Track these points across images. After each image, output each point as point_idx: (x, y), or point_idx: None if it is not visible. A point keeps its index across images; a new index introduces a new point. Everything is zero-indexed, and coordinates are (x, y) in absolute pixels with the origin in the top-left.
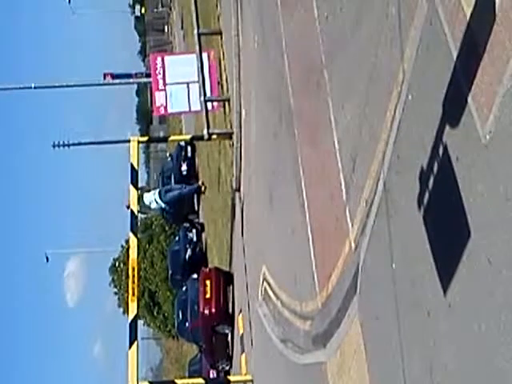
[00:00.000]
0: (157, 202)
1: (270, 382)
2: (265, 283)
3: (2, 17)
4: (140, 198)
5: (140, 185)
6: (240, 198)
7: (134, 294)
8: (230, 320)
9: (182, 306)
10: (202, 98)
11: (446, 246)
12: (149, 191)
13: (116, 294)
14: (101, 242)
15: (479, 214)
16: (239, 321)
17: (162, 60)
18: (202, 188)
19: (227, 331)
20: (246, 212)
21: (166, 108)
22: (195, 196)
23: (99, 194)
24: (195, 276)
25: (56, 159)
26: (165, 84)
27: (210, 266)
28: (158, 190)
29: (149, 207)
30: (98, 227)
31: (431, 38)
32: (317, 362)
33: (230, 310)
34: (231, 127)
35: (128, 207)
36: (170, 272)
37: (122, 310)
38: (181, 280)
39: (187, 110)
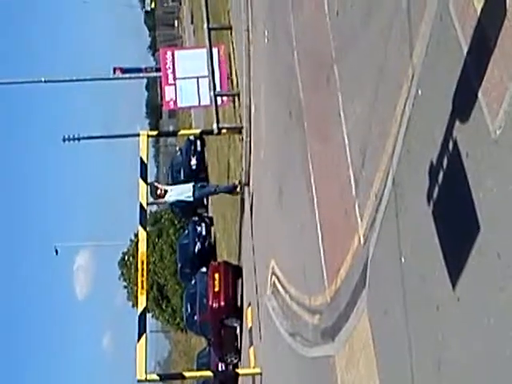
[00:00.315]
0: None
1: (278, 375)
2: (274, 277)
3: (12, 11)
4: (153, 191)
5: (149, 179)
6: (249, 192)
7: (143, 288)
8: (238, 313)
9: (191, 299)
10: (212, 93)
11: (455, 240)
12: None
13: (125, 287)
14: (110, 235)
15: (488, 209)
16: (248, 314)
17: (172, 54)
18: (238, 188)
19: (236, 324)
20: (255, 206)
21: (175, 102)
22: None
23: (109, 188)
24: (204, 269)
25: (66, 153)
26: (175, 78)
27: (218, 259)
28: (192, 184)
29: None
30: (108, 221)
31: (441, 33)
32: (325, 356)
33: (239, 304)
34: (241, 122)
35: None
36: (179, 265)
37: (131, 303)
38: (190, 273)
39: (197, 104)
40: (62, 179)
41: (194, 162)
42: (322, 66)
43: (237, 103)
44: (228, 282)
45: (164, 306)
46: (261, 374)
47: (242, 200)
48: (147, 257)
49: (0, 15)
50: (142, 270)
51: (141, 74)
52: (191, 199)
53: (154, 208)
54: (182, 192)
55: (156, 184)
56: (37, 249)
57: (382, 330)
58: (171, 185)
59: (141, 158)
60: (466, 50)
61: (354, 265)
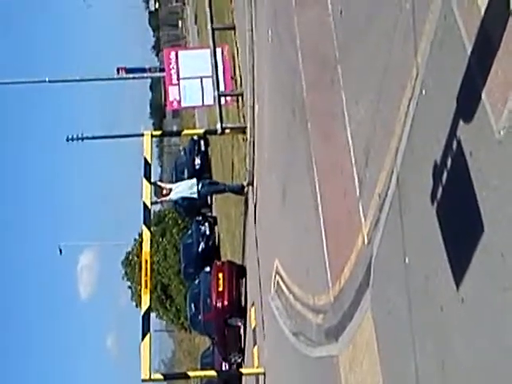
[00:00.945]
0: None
1: (282, 375)
2: (277, 276)
3: (16, 11)
4: (157, 189)
5: (153, 179)
6: (253, 192)
7: (146, 287)
8: (242, 313)
9: (195, 298)
10: (216, 93)
11: (459, 240)
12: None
13: (129, 287)
14: (114, 235)
15: (493, 209)
16: (252, 314)
17: (176, 55)
18: (245, 189)
19: (240, 324)
20: (259, 205)
21: (179, 102)
22: (236, 194)
23: (112, 188)
24: (208, 269)
25: (70, 153)
26: (178, 78)
27: (222, 259)
28: (195, 180)
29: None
30: (111, 220)
31: (445, 32)
32: (329, 356)
33: (243, 303)
34: (244, 121)
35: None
36: (182, 265)
37: (134, 303)
38: (193, 273)
39: (200, 104)
40: (66, 179)
41: (197, 161)
42: (325, 66)
43: (240, 103)
44: (232, 281)
45: (168, 306)
46: (264, 373)
47: (246, 199)
48: (151, 256)
49: (4, 15)
50: (146, 269)
51: (145, 74)
52: (195, 195)
53: (158, 207)
54: (187, 188)
55: (159, 183)
56: (41, 248)
57: (386, 330)
58: (175, 182)
59: (145, 158)
60: (469, 49)
61: (357, 264)
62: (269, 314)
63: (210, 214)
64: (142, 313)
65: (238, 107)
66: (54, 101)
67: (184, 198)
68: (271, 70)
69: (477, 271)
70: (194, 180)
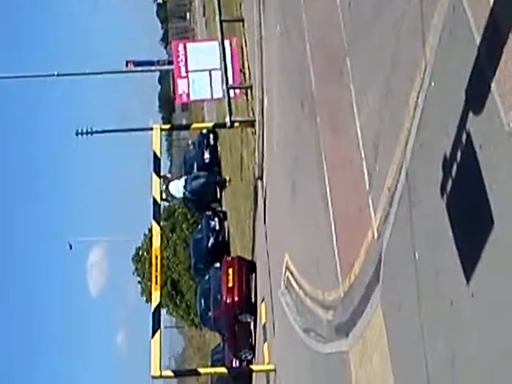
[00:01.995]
0: (182, 190)
1: (292, 371)
2: (287, 272)
3: (25, 5)
4: (166, 188)
5: (162, 172)
6: (262, 187)
7: (157, 283)
8: (252, 309)
9: (205, 294)
10: (224, 86)
11: (469, 234)
12: (172, 181)
13: (139, 282)
14: (124, 230)
15: (502, 202)
16: (262, 310)
17: (184, 47)
18: (227, 183)
19: (250, 320)
20: (269, 200)
21: (188, 95)
22: (217, 187)
23: (122, 182)
24: (218, 265)
25: (79, 146)
26: (187, 71)
27: (232, 254)
28: (184, 178)
29: (173, 196)
30: (121, 216)
31: (454, 24)
32: (339, 352)
33: (253, 299)
34: (253, 115)
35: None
36: (192, 261)
37: (145, 298)
38: (203, 269)
39: (209, 97)
40: (75, 173)
41: (206, 155)
42: (334, 59)
43: (249, 96)
44: (242, 277)
45: (178, 302)
46: (275, 370)
47: (256, 194)
48: (161, 252)
49: (13, 10)
50: (156, 265)
51: (153, 67)
52: (180, 195)
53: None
54: (176, 190)
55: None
56: (50, 244)
57: (396, 326)
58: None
59: (154, 152)
60: (478, 41)
61: (367, 260)
62: (279, 310)
63: (219, 208)
64: (153, 309)
65: (246, 100)
66: (63, 94)
67: (193, 193)
68: (280, 62)
69: (487, 265)
70: (182, 179)
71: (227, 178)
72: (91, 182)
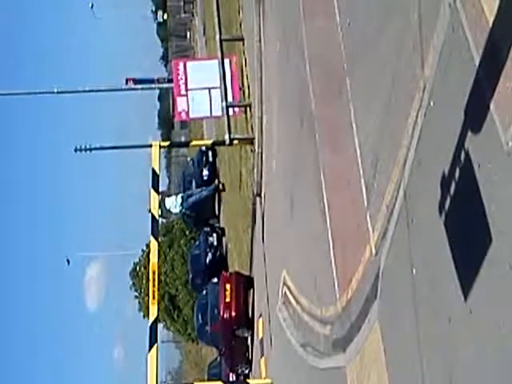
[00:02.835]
0: (179, 207)
1: None
2: (285, 287)
3: (25, 22)
4: (162, 203)
5: (161, 189)
6: (261, 203)
7: (154, 298)
8: (249, 324)
9: (202, 309)
10: (224, 104)
11: (467, 251)
12: (169, 196)
13: (136, 297)
14: (122, 245)
15: (500, 221)
16: (259, 325)
17: (184, 65)
18: (220, 186)
19: (247, 335)
20: (267, 217)
21: (187, 113)
22: (216, 196)
23: (120, 199)
24: (215, 280)
25: (78, 163)
26: (187, 89)
27: (230, 270)
28: (180, 195)
29: (170, 211)
30: (119, 231)
31: (453, 44)
32: (336, 367)
33: (250, 314)
34: (252, 132)
35: (149, 211)
36: (190, 276)
37: (142, 314)
38: (201, 284)
39: (209, 115)
40: (74, 190)
41: (205, 172)
42: (334, 77)
43: (248, 114)
44: (239, 292)
45: (175, 317)
46: None
47: (254, 211)
48: (158, 267)
49: (13, 25)
50: (154, 280)
51: (153, 85)
52: (177, 211)
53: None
54: (171, 205)
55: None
56: (48, 259)
57: (394, 341)
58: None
59: (153, 169)
60: (478, 61)
61: (365, 276)
62: (276, 325)
63: (217, 224)
64: (150, 323)
65: (246, 118)
66: (63, 111)
67: (193, 208)
68: (279, 80)
69: (485, 282)
70: (179, 196)
71: (217, 182)
72: (90, 198)
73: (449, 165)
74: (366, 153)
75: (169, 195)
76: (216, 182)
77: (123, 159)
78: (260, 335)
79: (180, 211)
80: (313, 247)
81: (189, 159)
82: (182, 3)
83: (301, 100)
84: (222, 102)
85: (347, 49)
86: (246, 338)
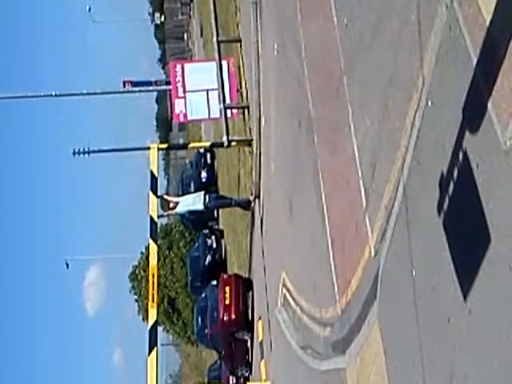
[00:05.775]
0: (202, 205)
1: None
2: (284, 289)
3: (22, 25)
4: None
5: (159, 192)
6: (259, 205)
7: (153, 301)
8: (249, 326)
9: (202, 312)
10: (222, 105)
11: (467, 252)
12: (181, 195)
13: (136, 300)
14: (120, 248)
15: (500, 221)
16: (259, 327)
17: (182, 67)
18: (252, 204)
19: (247, 337)
20: (266, 218)
21: (185, 115)
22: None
23: (119, 201)
24: (215, 282)
25: (76, 166)
26: (184, 91)
27: (229, 272)
28: (203, 193)
29: (179, 212)
30: (118, 234)
31: (451, 44)
32: (336, 369)
33: (250, 317)
34: (250, 134)
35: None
36: (189, 278)
37: (141, 317)
38: (200, 286)
39: (206, 117)
40: (73, 192)
41: (204, 174)
42: (331, 78)
43: (246, 116)
44: (239, 294)
45: (175, 319)
46: None
47: (253, 212)
48: (158, 270)
49: (10, 29)
50: (153, 283)
51: (151, 88)
52: (201, 208)
53: (165, 220)
54: (193, 202)
55: (166, 197)
56: (47, 263)
57: (394, 343)
58: (182, 195)
59: (151, 171)
60: (475, 60)
61: (364, 277)
62: (276, 328)
63: (216, 227)
64: (149, 326)
65: (244, 120)
66: (61, 115)
67: (191, 212)
68: (277, 82)
69: (484, 283)
70: (202, 193)
71: (251, 199)
72: (88, 201)
73: (447, 165)
74: (365, 153)
75: (178, 194)
76: (251, 198)
77: (122, 162)
78: (260, 337)
79: (186, 211)
80: (312, 248)
81: (187, 161)
82: (179, 5)
83: (298, 100)
84: (219, 103)
85: (344, 49)
86: (246, 341)
